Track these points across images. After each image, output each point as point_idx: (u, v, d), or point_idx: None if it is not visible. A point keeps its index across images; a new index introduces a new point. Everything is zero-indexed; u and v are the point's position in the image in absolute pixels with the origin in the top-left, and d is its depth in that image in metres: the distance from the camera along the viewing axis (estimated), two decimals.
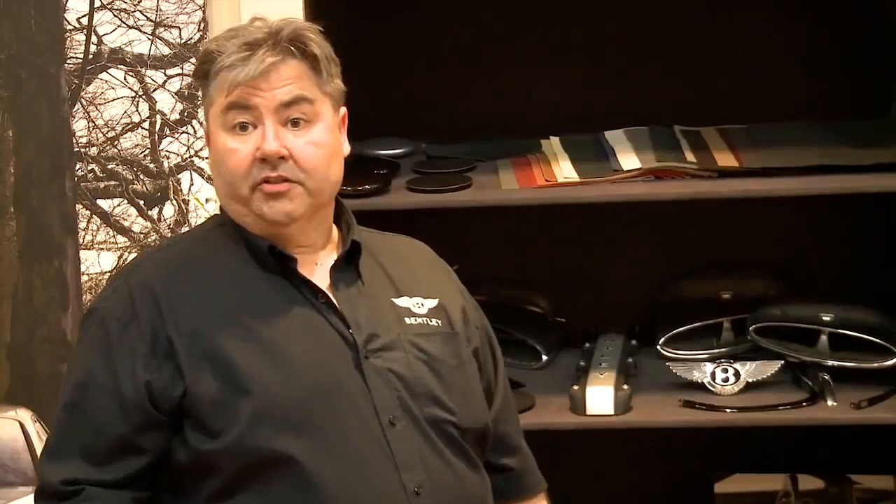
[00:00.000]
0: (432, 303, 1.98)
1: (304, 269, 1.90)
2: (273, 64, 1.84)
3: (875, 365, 2.53)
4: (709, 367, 2.56)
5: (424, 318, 1.96)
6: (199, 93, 1.94)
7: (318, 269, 1.92)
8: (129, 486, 1.82)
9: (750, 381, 2.54)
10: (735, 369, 2.55)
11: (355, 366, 1.87)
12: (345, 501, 1.80)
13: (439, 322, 1.97)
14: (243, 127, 1.86)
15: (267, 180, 1.85)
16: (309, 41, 1.87)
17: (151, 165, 2.72)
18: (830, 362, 2.54)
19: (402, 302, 1.96)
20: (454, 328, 1.98)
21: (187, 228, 2.69)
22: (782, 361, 2.56)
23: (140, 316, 1.83)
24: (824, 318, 2.58)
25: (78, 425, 1.83)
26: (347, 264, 1.94)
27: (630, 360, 2.66)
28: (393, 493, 1.83)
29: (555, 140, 2.70)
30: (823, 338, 2.57)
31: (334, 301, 1.90)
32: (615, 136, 2.65)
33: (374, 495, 1.82)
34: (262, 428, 1.80)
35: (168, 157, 2.72)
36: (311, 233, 1.92)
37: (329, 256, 1.94)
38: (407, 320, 1.95)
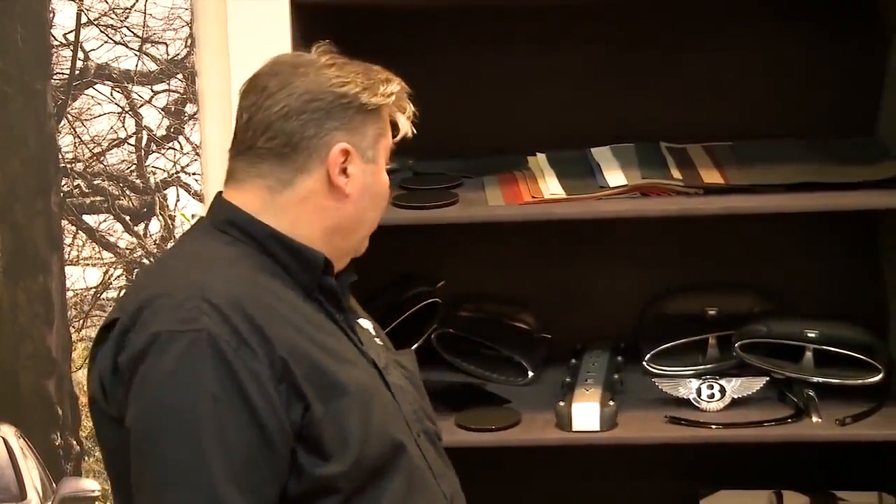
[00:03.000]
0: (372, 324, 2.02)
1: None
2: None
3: (859, 381, 2.54)
4: (694, 383, 2.57)
5: (381, 339, 2.00)
6: (370, 115, 1.87)
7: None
8: None
9: (735, 397, 2.55)
10: (720, 385, 2.55)
11: (383, 382, 1.90)
12: None
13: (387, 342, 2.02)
14: None
15: None
16: None
17: (138, 181, 2.72)
18: (815, 379, 2.55)
19: (364, 324, 1.99)
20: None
21: (173, 244, 2.69)
22: (767, 378, 2.56)
23: (245, 337, 1.73)
24: (809, 335, 2.58)
25: (229, 457, 1.70)
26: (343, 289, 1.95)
27: (616, 376, 2.67)
28: (440, 500, 1.90)
29: (541, 156, 2.70)
30: (808, 354, 2.57)
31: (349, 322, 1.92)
32: (601, 153, 2.66)
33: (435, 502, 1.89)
34: (370, 447, 1.80)
35: (154, 173, 2.72)
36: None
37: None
38: (377, 341, 1.98)
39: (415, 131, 1.90)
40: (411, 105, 1.90)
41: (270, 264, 1.83)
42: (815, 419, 2.47)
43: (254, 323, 1.74)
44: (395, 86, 1.88)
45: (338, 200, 1.85)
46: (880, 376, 2.53)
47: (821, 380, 2.54)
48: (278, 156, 1.82)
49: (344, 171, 1.84)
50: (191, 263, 1.82)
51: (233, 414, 1.70)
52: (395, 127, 1.89)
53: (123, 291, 1.94)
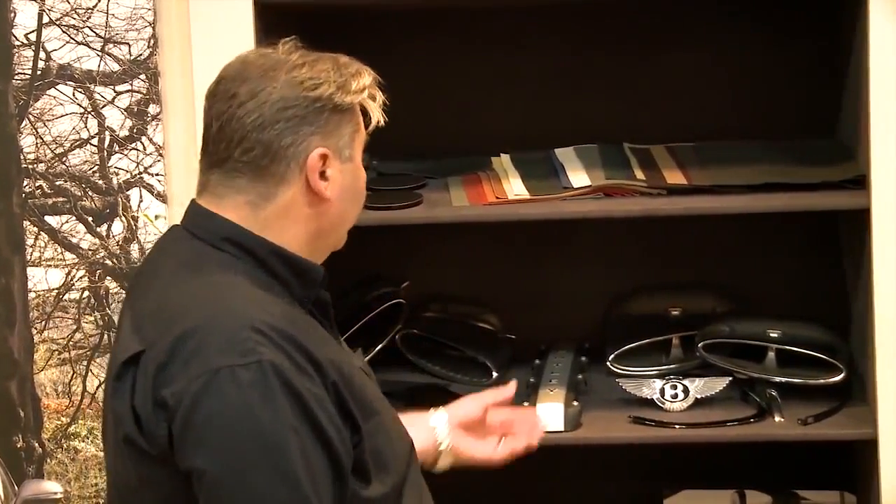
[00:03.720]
0: None
1: None
2: None
3: (822, 381, 2.55)
4: (658, 383, 2.58)
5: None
6: (337, 110, 1.81)
7: None
8: None
9: (698, 397, 2.56)
10: (684, 385, 2.57)
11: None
12: None
13: None
14: None
15: None
16: None
17: (100, 182, 2.71)
18: (778, 378, 2.56)
19: None
20: None
21: (136, 245, 2.68)
22: (730, 378, 2.57)
23: (299, 362, 1.68)
24: (772, 335, 2.59)
25: (317, 488, 1.66)
26: None
27: (580, 376, 2.67)
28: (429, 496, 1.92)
29: (505, 157, 2.71)
30: (771, 354, 2.59)
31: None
32: (565, 154, 2.66)
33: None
34: (399, 463, 1.81)
35: (117, 174, 2.70)
36: None
37: None
38: None
39: (386, 119, 1.88)
40: (381, 93, 1.86)
41: (268, 280, 1.78)
42: (777, 419, 2.49)
43: (300, 346, 1.69)
44: (367, 77, 1.84)
45: (319, 205, 1.80)
46: (842, 376, 2.54)
47: (783, 380, 2.56)
48: (256, 168, 1.77)
49: (323, 175, 1.79)
50: (208, 286, 1.74)
51: (311, 443, 1.66)
52: (365, 115, 1.85)
53: (119, 316, 1.70)
